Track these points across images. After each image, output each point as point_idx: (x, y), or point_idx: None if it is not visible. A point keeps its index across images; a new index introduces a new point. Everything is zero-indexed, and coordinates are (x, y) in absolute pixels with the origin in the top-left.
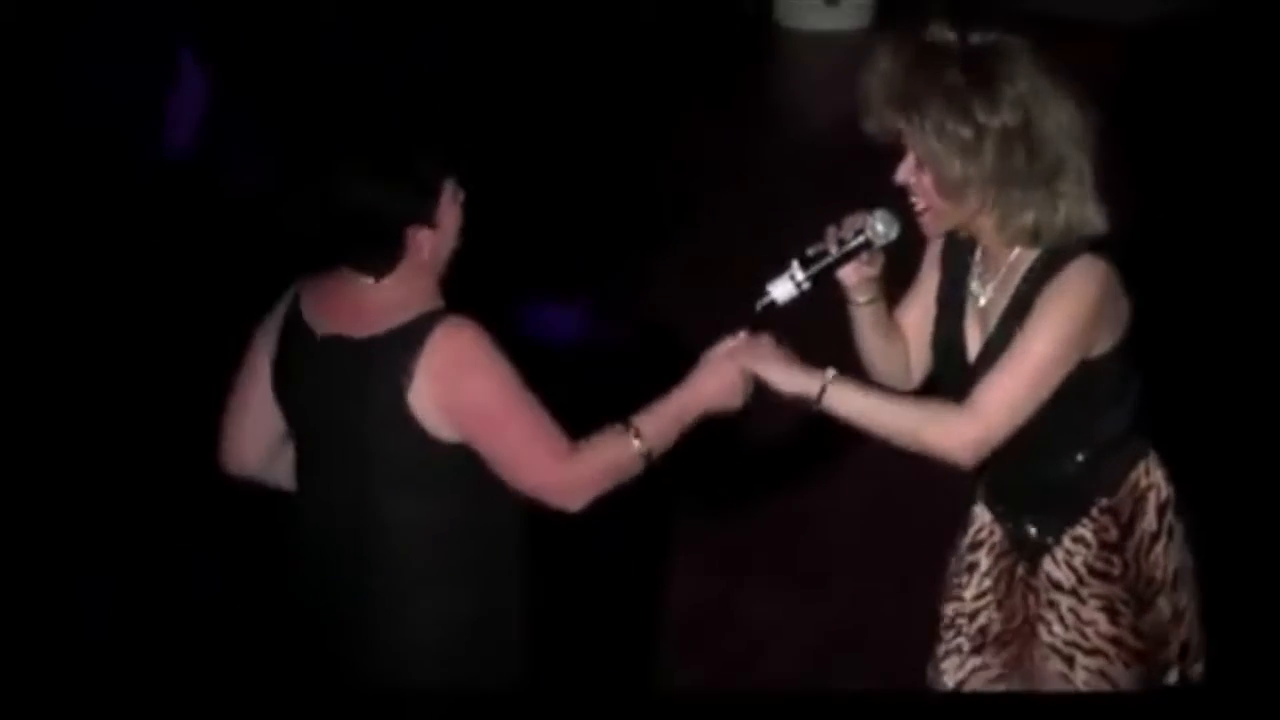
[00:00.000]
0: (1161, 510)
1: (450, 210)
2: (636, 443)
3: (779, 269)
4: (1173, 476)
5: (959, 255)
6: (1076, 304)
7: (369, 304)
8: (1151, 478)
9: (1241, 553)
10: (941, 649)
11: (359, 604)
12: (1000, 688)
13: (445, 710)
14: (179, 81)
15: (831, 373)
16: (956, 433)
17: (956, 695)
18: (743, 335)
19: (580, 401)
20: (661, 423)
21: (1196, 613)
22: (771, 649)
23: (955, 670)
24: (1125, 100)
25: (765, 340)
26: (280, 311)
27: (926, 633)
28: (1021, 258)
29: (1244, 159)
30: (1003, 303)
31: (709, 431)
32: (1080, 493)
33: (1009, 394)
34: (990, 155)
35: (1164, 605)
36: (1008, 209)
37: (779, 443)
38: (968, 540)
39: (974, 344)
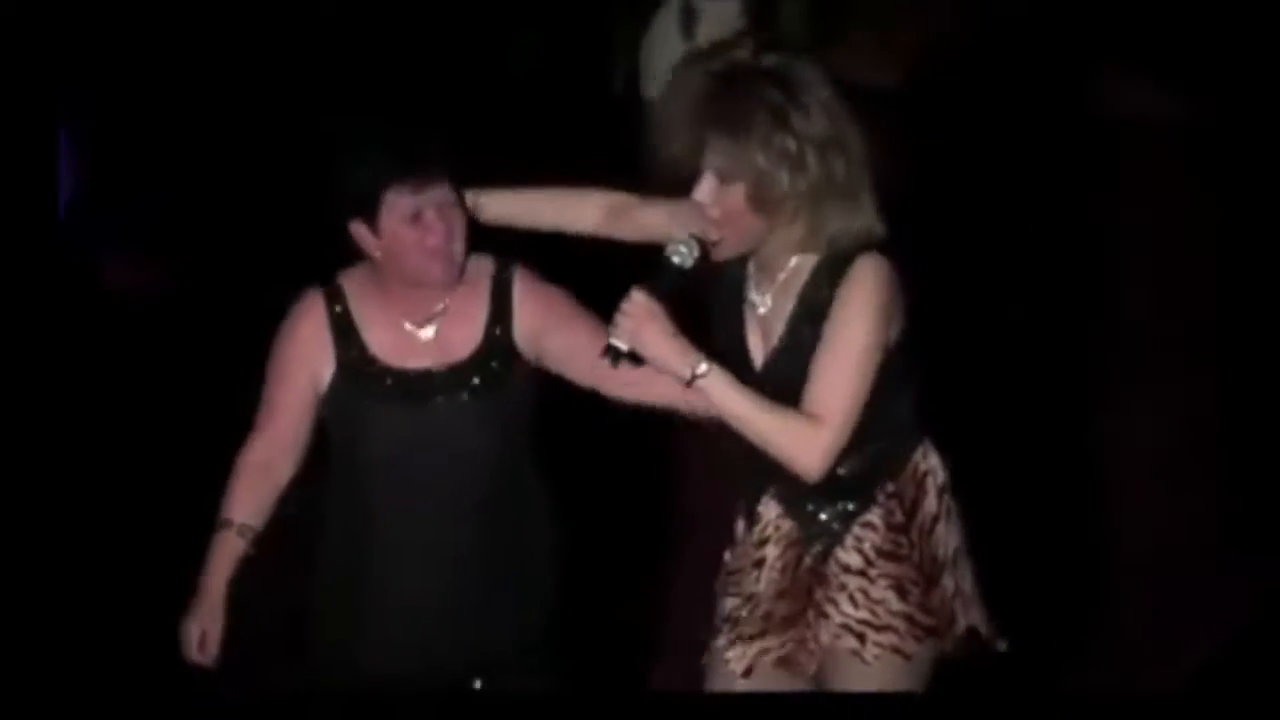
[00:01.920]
0: (941, 492)
1: (392, 219)
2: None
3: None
4: (946, 461)
5: (730, 267)
6: (875, 296)
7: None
8: (929, 462)
9: (1013, 530)
10: (722, 640)
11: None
12: (785, 669)
13: (447, 710)
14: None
15: (705, 365)
16: (811, 445)
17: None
18: (636, 296)
19: None
20: None
21: (975, 587)
22: None
23: (740, 659)
24: None
25: (653, 311)
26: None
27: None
28: (801, 266)
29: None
30: (788, 308)
31: None
32: (870, 481)
33: (844, 393)
34: (813, 166)
35: (948, 582)
36: (817, 219)
37: None
38: (755, 537)
39: (758, 351)
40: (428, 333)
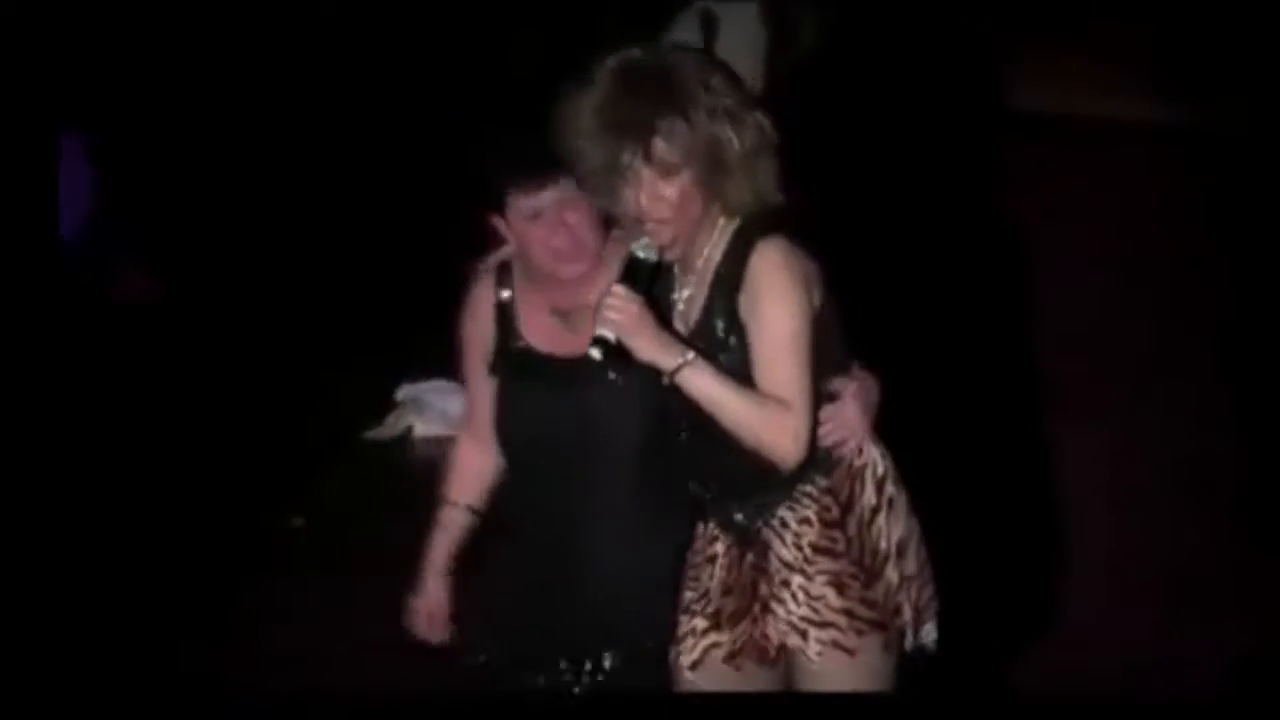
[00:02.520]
0: (880, 484)
1: (517, 218)
2: None
3: None
4: (890, 450)
5: (659, 276)
6: (787, 273)
7: None
8: (865, 455)
9: (965, 514)
10: (680, 630)
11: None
12: (734, 664)
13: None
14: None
15: (691, 354)
16: (789, 430)
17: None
18: (620, 290)
19: None
20: None
21: (926, 576)
22: None
23: (691, 650)
24: None
25: (638, 305)
26: None
27: None
28: (712, 255)
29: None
30: (701, 296)
31: None
32: (792, 476)
33: (793, 375)
34: (749, 120)
35: (892, 573)
36: (758, 177)
37: None
38: (707, 533)
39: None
40: (576, 321)
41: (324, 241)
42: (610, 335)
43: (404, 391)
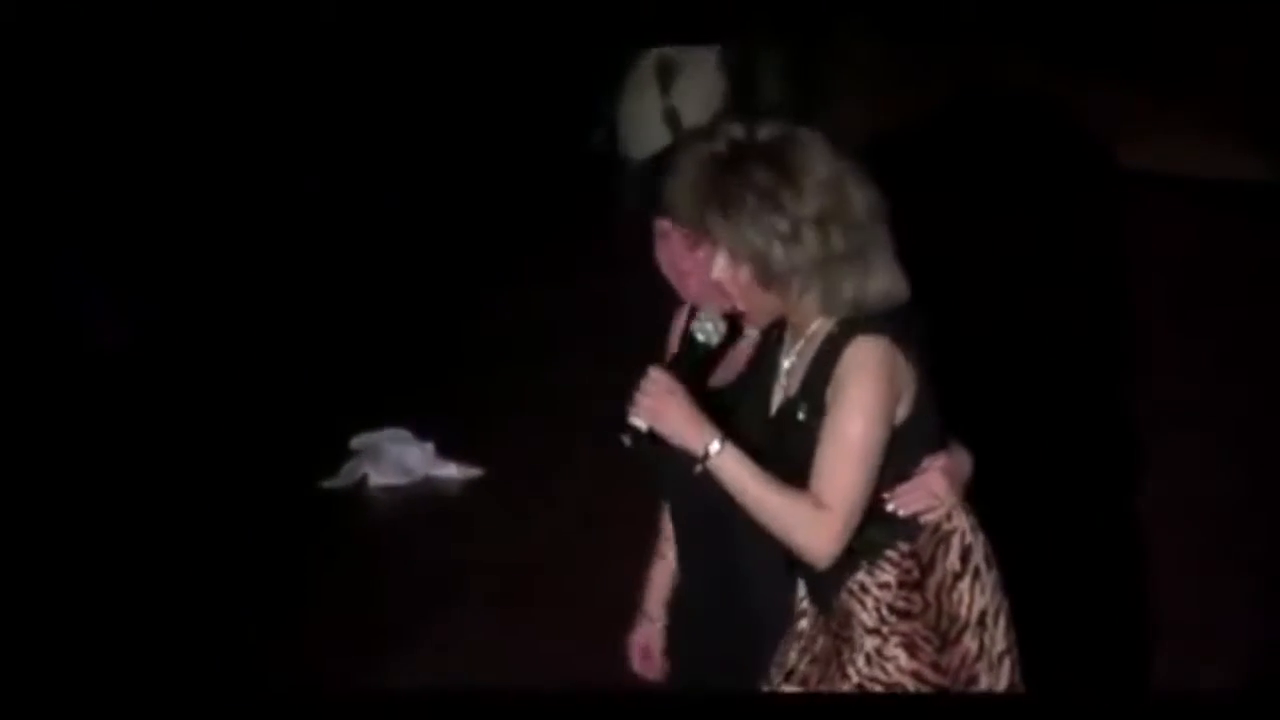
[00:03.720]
0: (966, 552)
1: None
2: None
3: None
4: (983, 523)
5: (769, 333)
6: (873, 383)
7: None
8: (954, 522)
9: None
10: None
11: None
12: None
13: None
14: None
15: (720, 443)
16: (817, 530)
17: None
18: (655, 374)
19: None
20: None
21: (1014, 657)
22: None
23: None
24: None
25: (673, 389)
26: None
27: None
28: (819, 330)
29: None
30: (803, 368)
31: None
32: (874, 543)
33: (847, 483)
34: (811, 240)
35: (971, 642)
36: (830, 285)
37: None
38: (795, 611)
39: (776, 401)
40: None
41: (282, 292)
42: (641, 423)
43: (359, 440)
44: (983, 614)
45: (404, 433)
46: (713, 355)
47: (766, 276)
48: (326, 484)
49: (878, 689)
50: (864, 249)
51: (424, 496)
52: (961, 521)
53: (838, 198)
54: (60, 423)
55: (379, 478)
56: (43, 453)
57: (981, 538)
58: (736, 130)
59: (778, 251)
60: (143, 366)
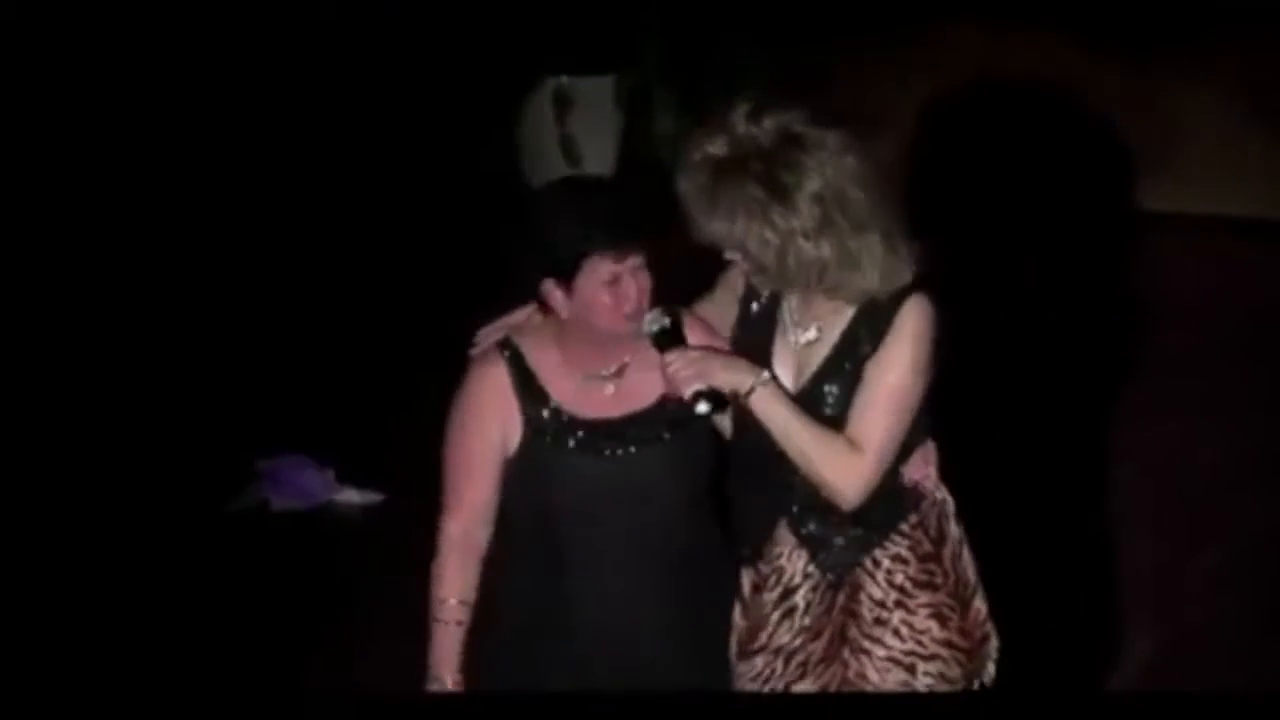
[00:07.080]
0: (956, 520)
1: (590, 283)
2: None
3: None
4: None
5: (765, 300)
6: (924, 339)
7: None
8: (941, 493)
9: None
10: (762, 684)
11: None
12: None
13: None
14: None
15: (765, 375)
16: (854, 473)
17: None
18: (668, 356)
19: None
20: None
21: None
22: None
23: None
24: None
25: (695, 350)
26: None
27: None
28: (842, 310)
29: None
30: (830, 341)
31: None
32: (891, 513)
33: (884, 427)
34: (805, 248)
35: (979, 604)
36: (830, 283)
37: None
38: (779, 589)
39: (787, 380)
40: (613, 383)
41: (190, 318)
42: (703, 386)
43: (261, 465)
44: (979, 575)
45: (304, 459)
46: (675, 328)
47: (764, 279)
48: (228, 508)
49: (919, 663)
50: (865, 248)
51: (325, 520)
52: (944, 492)
53: (832, 209)
54: None
55: (280, 502)
56: None
57: (952, 500)
58: (739, 125)
59: (769, 259)
60: (46, 387)
